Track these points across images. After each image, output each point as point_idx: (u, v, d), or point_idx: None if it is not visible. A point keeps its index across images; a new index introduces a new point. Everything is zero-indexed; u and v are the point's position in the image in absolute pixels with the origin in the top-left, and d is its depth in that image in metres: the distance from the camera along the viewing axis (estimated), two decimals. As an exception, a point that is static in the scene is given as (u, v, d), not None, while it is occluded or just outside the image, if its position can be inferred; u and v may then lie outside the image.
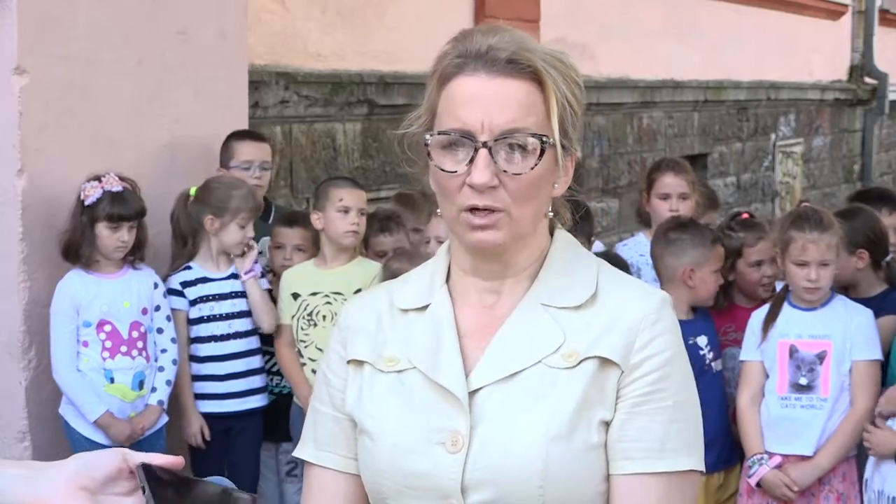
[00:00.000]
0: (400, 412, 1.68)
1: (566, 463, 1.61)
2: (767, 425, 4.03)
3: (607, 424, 1.64)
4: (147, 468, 1.51)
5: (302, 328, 4.39)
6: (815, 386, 3.96)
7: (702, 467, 1.67)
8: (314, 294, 4.37)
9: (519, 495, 1.61)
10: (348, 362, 1.77)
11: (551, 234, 1.77)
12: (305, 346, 4.39)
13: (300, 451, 1.81)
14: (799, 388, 3.97)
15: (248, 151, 4.66)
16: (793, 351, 3.99)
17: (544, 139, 1.62)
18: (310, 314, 4.38)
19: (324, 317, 4.36)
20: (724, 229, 4.64)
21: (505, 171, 1.62)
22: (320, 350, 4.33)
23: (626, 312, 1.67)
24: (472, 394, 1.65)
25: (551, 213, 1.73)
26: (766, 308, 4.12)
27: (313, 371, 4.33)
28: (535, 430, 1.61)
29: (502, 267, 1.71)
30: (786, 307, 4.06)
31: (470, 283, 1.73)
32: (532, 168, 1.62)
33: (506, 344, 1.67)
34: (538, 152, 1.62)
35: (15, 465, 1.60)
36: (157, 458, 1.54)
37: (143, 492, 1.49)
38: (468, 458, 1.62)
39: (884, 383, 3.99)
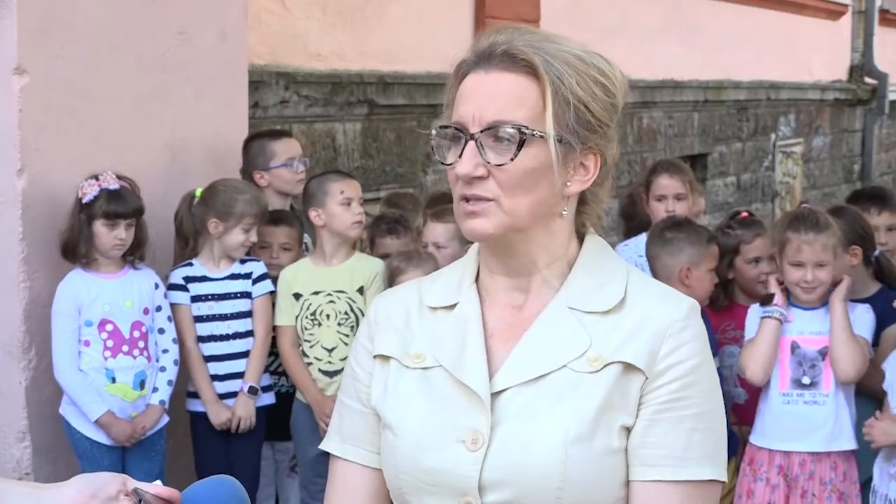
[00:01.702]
0: (423, 409, 1.69)
1: (585, 465, 1.60)
2: (770, 421, 4.03)
3: (628, 430, 1.63)
4: (142, 496, 1.59)
5: (306, 328, 4.37)
6: (818, 382, 3.97)
7: (724, 477, 1.66)
8: (316, 293, 4.34)
9: (536, 496, 1.60)
10: (375, 357, 1.77)
11: (579, 235, 1.76)
12: (311, 346, 4.36)
13: (326, 444, 1.82)
14: (801, 385, 3.98)
15: (286, 149, 4.73)
16: (794, 347, 4.01)
17: (524, 130, 1.62)
18: (313, 314, 4.35)
19: (328, 315, 4.34)
20: (722, 228, 4.66)
21: (489, 162, 1.63)
22: (326, 349, 4.33)
23: (653, 318, 1.66)
24: (495, 394, 1.65)
25: (565, 212, 1.71)
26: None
27: (320, 370, 4.34)
28: (556, 431, 1.61)
29: (521, 264, 1.71)
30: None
31: (498, 282, 1.73)
32: (512, 159, 1.62)
33: (532, 347, 1.67)
34: (517, 143, 1.62)
35: (20, 485, 1.70)
36: (156, 489, 1.61)
37: None
38: (487, 456, 1.62)
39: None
